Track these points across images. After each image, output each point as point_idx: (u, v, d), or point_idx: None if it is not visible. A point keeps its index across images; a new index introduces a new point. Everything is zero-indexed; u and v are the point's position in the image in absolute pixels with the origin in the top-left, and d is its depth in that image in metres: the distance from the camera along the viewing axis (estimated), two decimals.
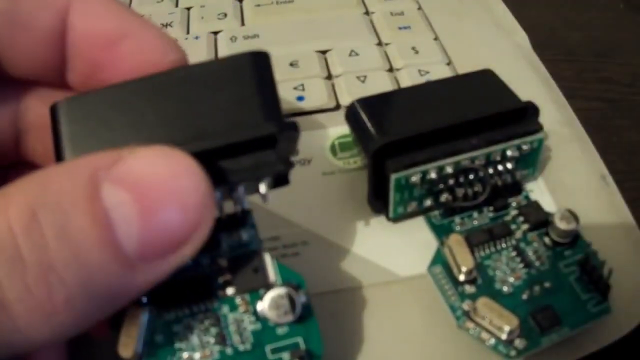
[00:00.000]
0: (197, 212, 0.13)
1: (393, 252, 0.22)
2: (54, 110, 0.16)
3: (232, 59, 0.16)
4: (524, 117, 0.22)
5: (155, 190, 0.13)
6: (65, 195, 0.13)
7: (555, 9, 0.39)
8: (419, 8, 0.34)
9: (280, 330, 0.17)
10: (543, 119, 0.22)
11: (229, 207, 0.17)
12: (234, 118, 0.15)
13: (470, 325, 0.19)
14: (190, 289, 0.17)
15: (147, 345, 0.16)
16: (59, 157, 0.15)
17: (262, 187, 0.16)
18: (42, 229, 0.12)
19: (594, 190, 0.24)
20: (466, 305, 0.19)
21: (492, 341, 0.18)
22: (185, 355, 0.16)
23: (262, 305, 0.17)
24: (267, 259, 0.17)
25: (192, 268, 0.17)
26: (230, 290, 0.17)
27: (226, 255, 0.17)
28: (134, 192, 0.13)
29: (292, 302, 0.16)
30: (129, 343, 0.15)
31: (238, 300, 0.17)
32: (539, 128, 0.22)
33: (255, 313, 0.17)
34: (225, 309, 0.17)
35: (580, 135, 0.27)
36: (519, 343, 0.18)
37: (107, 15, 0.17)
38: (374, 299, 0.21)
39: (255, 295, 0.17)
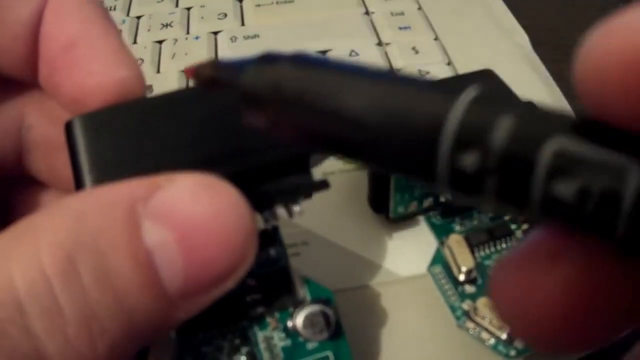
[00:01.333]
0: (242, 248, 0.13)
1: (393, 252, 0.22)
2: (69, 128, 0.15)
3: None
4: None
5: (199, 229, 0.12)
6: (103, 235, 0.12)
7: (555, 9, 0.39)
8: (419, 8, 0.34)
9: (311, 345, 0.16)
10: None
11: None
12: (266, 137, 0.15)
13: (470, 325, 0.19)
14: (219, 309, 0.16)
15: None
16: (78, 179, 0.15)
17: (298, 208, 0.16)
18: (80, 274, 0.11)
19: None
20: (466, 305, 0.19)
21: (492, 341, 0.18)
22: None
23: (295, 323, 0.16)
24: (296, 275, 0.17)
25: None
26: (260, 309, 0.17)
27: (254, 273, 0.17)
28: (177, 230, 0.12)
29: (326, 319, 0.16)
30: None
31: (267, 318, 0.17)
32: None
33: (285, 329, 0.17)
34: (255, 327, 0.17)
35: None
36: (518, 343, 0.18)
37: (72, 16, 0.16)
38: (374, 298, 0.21)
39: (284, 311, 0.17)
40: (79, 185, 0.15)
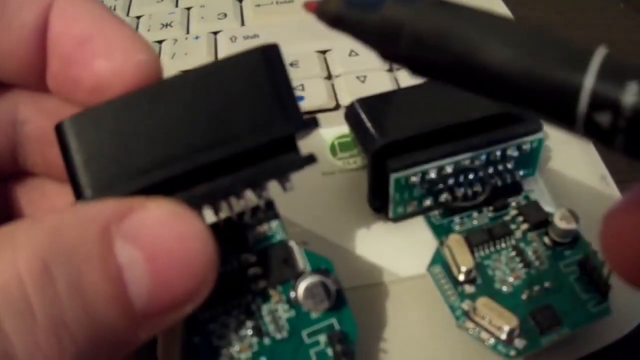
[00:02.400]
0: (203, 275, 0.14)
1: (393, 252, 0.22)
2: (59, 129, 0.15)
3: (242, 56, 0.16)
4: (524, 117, 0.22)
5: (166, 251, 0.13)
6: (79, 247, 0.12)
7: (555, 9, 0.39)
8: None
9: (315, 315, 0.17)
10: None
11: (251, 197, 0.17)
12: (252, 120, 0.15)
13: (469, 325, 0.19)
14: (222, 287, 0.16)
15: (185, 348, 0.16)
16: (75, 187, 0.15)
17: (289, 185, 0.16)
18: (54, 281, 0.12)
19: (594, 190, 0.24)
20: (466, 305, 0.19)
21: (492, 341, 0.18)
22: (224, 351, 0.16)
23: (297, 295, 0.17)
24: (295, 247, 0.17)
25: (221, 266, 0.16)
26: (262, 284, 0.17)
27: (253, 249, 0.17)
28: (146, 251, 0.13)
29: (326, 289, 0.17)
30: (169, 353, 0.15)
31: (270, 291, 0.17)
32: (538, 128, 0.22)
33: (288, 301, 0.17)
34: (258, 301, 0.17)
35: None
36: (518, 343, 0.18)
37: (82, 14, 0.17)
38: (374, 298, 0.21)
39: (287, 283, 0.17)
40: (77, 195, 0.15)
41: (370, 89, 0.27)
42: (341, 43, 0.31)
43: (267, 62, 0.16)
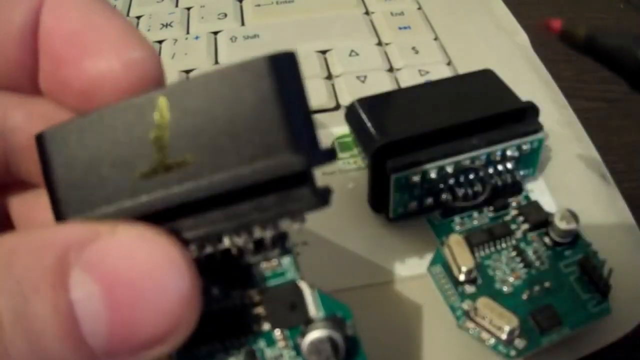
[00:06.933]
0: (176, 313, 0.12)
1: (393, 252, 0.22)
2: (40, 140, 0.14)
3: (248, 66, 0.13)
4: (523, 117, 0.22)
5: (127, 286, 0.12)
6: (28, 278, 0.11)
7: (555, 9, 0.39)
8: (419, 8, 0.34)
9: None
10: (543, 119, 0.22)
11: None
12: (254, 147, 0.12)
13: (470, 325, 0.19)
14: (222, 322, 0.15)
15: None
16: (52, 199, 0.14)
17: (297, 226, 0.13)
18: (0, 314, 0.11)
19: (594, 190, 0.24)
20: (466, 305, 0.19)
21: (492, 341, 0.18)
22: None
23: (302, 345, 0.15)
24: (306, 289, 0.15)
25: (222, 300, 0.15)
26: (265, 326, 0.15)
27: (259, 286, 0.15)
28: (106, 283, 0.11)
29: (334, 346, 0.14)
30: None
31: (276, 333, 0.15)
32: (539, 128, 0.22)
33: (295, 347, 0.15)
34: (261, 343, 0.15)
35: (580, 135, 0.27)
36: (518, 343, 0.18)
37: (74, 8, 0.15)
38: (374, 299, 0.21)
39: (295, 328, 0.15)
40: (56, 214, 0.14)
41: (370, 89, 0.27)
42: (341, 43, 0.31)
43: (278, 74, 0.13)
